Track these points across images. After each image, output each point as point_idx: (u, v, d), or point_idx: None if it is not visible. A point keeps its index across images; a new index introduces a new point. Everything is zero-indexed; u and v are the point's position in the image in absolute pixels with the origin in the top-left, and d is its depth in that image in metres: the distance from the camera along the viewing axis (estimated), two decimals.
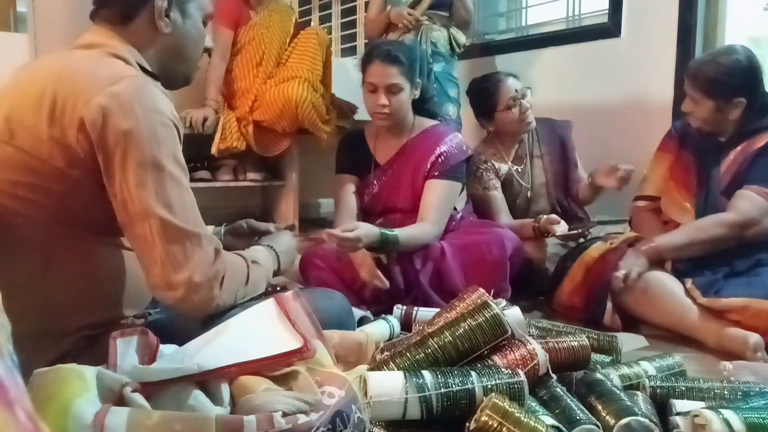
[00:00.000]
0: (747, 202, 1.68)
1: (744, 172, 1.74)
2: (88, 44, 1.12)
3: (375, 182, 2.03)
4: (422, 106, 2.08)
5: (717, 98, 1.73)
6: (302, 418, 0.81)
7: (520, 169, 2.28)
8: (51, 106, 1.00)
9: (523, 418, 0.88)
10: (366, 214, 2.07)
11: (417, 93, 2.00)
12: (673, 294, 1.64)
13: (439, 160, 1.95)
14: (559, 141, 2.31)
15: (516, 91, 2.19)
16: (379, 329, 1.47)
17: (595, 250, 1.82)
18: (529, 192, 2.27)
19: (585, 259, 1.82)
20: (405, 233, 1.79)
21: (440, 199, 1.92)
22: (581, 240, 2.03)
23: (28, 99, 1.03)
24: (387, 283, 1.76)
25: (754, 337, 1.43)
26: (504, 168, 2.26)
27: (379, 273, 1.77)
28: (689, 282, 1.64)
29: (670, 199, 1.90)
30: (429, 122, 2.07)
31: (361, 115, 3.06)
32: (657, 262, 1.71)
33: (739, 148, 1.78)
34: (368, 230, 1.70)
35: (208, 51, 1.29)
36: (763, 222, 1.67)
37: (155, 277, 1.02)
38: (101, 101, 0.98)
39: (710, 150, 1.83)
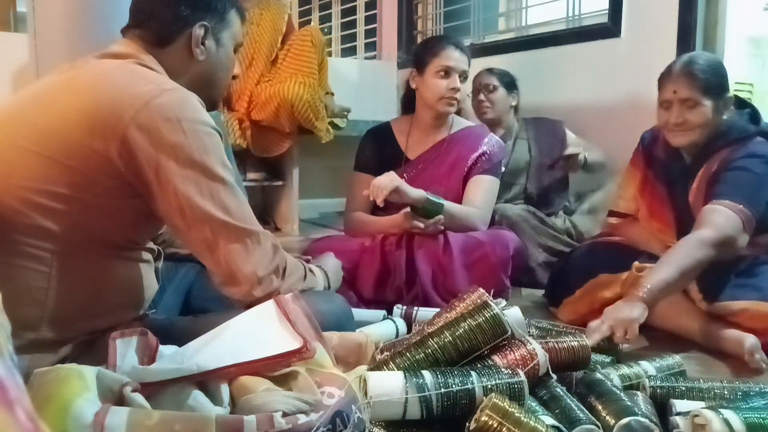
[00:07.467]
0: (722, 218, 1.50)
1: (711, 188, 1.62)
2: (118, 54, 1.12)
3: (404, 176, 2.02)
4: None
5: (715, 96, 1.63)
6: (302, 418, 0.81)
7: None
8: (91, 118, 0.99)
9: (523, 418, 0.88)
10: (385, 207, 2.07)
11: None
12: (672, 297, 1.63)
13: (483, 157, 2.03)
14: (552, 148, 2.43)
15: None
16: (382, 330, 1.46)
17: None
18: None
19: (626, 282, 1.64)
20: (452, 205, 1.85)
21: (486, 192, 1.99)
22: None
23: (62, 109, 1.02)
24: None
25: (751, 339, 1.42)
26: None
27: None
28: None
29: (651, 237, 1.78)
30: (465, 122, 2.12)
31: (356, 115, 3.05)
32: (654, 304, 1.43)
33: (701, 171, 1.67)
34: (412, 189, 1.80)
35: (235, 77, 1.31)
36: (738, 241, 1.51)
37: (221, 276, 1.09)
38: (147, 116, 0.99)
39: (678, 177, 1.73)
